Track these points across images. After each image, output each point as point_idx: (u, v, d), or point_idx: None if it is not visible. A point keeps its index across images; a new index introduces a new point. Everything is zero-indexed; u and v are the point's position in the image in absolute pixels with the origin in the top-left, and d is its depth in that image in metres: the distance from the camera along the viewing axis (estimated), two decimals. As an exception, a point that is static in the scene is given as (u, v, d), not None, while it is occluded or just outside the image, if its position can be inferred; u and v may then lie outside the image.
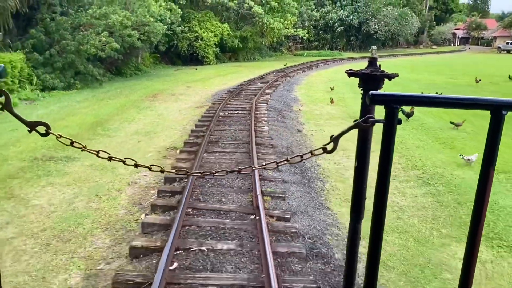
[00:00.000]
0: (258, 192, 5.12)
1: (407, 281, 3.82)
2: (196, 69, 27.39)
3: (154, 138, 8.98)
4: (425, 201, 5.62)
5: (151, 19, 18.57)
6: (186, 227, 4.33)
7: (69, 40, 15.15)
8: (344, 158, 7.62)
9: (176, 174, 1.61)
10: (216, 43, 30.71)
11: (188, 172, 1.76)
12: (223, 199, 5.07)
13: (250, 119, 9.84)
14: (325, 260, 3.93)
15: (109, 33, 16.19)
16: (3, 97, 1.33)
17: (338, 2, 54.70)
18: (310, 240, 4.27)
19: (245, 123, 9.57)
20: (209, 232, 4.25)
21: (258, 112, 10.92)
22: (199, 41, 29.53)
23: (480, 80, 18.24)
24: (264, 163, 1.59)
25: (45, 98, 13.77)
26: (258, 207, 4.73)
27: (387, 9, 52.83)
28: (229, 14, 32.47)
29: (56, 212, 5.18)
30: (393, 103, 1.15)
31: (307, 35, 37.83)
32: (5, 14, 14.59)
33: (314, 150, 1.50)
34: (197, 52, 29.97)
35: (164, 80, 20.60)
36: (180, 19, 24.92)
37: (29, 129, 1.39)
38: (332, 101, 13.74)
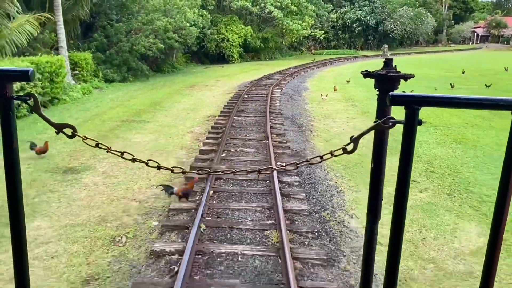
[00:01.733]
0: (268, 133, 8.57)
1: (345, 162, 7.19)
2: (223, 67, 31.08)
3: (198, 112, 12.55)
4: (362, 125, 8.95)
5: (187, 24, 22.32)
6: (227, 144, 7.85)
7: (124, 42, 19.01)
8: (332, 122, 11.00)
9: (197, 173, 1.79)
10: (240, 43, 34.36)
11: (209, 172, 1.76)
12: (248, 135, 8.59)
13: (267, 99, 13.29)
14: (301, 156, 7.36)
15: (154, 36, 19.99)
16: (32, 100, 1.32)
17: (356, 3, 57.51)
18: (296, 151, 7.70)
19: (263, 101, 13.05)
20: (240, 146, 7.76)
21: (273, 95, 14.39)
22: (225, 42, 33.23)
23: (464, 72, 21.23)
24: (284, 163, 1.66)
25: (108, 88, 17.63)
26: (268, 137, 8.20)
27: (402, 9, 55.31)
28: (252, 17, 36.14)
29: (149, 144, 8.77)
30: (414, 104, 1.12)
31: (323, 35, 41.01)
32: (76, 22, 18.55)
33: (334, 151, 1.49)
34: (224, 52, 33.68)
35: (196, 76, 24.33)
36: (209, 23, 28.65)
37: (56, 131, 1.41)
38: (335, 89, 17.02)
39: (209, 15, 28.26)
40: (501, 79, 20.36)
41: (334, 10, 54.21)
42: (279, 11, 34.34)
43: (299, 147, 8.08)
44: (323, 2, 46.72)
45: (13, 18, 13.22)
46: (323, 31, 41.45)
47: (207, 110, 12.73)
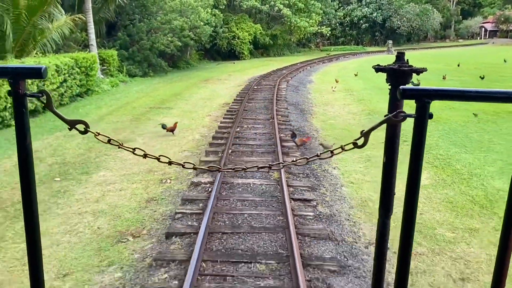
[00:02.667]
0: (274, 114, 10.34)
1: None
2: (234, 63, 32.89)
3: (214, 100, 14.36)
4: (356, 110, 10.67)
5: (201, 23, 24.15)
6: (241, 122, 9.65)
7: (145, 41, 20.92)
8: (330, 108, 12.72)
9: (208, 170, 1.76)
10: (250, 41, 36.15)
11: (219, 168, 1.81)
12: (257, 116, 10.39)
13: (274, 90, 15.05)
14: (301, 132, 9.12)
15: (172, 34, 21.86)
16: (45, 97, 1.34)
17: (363, 0, 58.84)
18: (296, 127, 9.47)
19: (271, 92, 14.82)
20: (251, 123, 9.56)
21: (280, 86, 16.15)
22: (236, 39, 35.04)
23: (459, 65, 22.86)
24: (294, 159, 1.67)
25: (131, 81, 19.56)
26: (273, 117, 9.98)
27: (409, 6, 56.52)
28: (261, 16, 37.90)
29: (181, 122, 10.59)
30: (425, 97, 1.12)
31: (330, 32, 42.60)
32: (102, 22, 20.50)
33: (345, 145, 1.48)
34: (234, 49, 35.50)
35: (210, 71, 26.17)
36: (221, 22, 30.48)
37: (69, 127, 1.44)
38: (336, 81, 18.67)
39: (221, 14, 30.07)
40: (493, 72, 21.82)
41: (342, 7, 55.65)
42: (288, 9, 36.03)
43: (299, 124, 9.86)
44: (330, 0, 48.21)
45: (52, 20, 15.15)
46: (329, 28, 43.02)
47: (221, 99, 14.53)
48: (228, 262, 3.72)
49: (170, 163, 1.67)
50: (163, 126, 9.35)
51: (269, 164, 1.72)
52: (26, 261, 4.11)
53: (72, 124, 1.45)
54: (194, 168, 1.72)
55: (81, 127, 1.48)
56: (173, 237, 4.22)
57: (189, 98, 14.94)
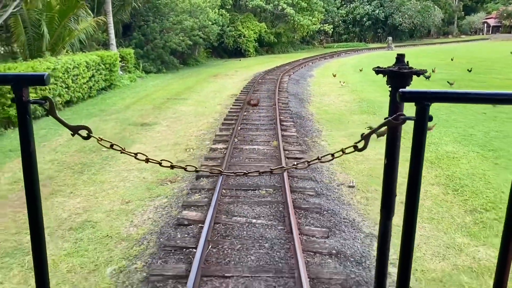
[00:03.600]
0: (276, 101, 12.06)
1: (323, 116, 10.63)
2: (240, 60, 34.63)
3: (223, 92, 16.10)
4: (349, 99, 12.36)
5: (209, 23, 25.92)
6: (247, 108, 11.38)
7: (158, 40, 22.72)
8: (326, 97, 14.42)
9: (210, 173, 1.75)
10: (256, 39, 37.89)
11: (221, 172, 1.83)
12: (261, 103, 12.14)
13: (277, 83, 16.77)
14: (298, 115, 10.84)
15: (183, 34, 23.65)
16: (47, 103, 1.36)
17: (366, -2, 60.35)
18: (295, 112, 11.19)
19: (274, 84, 16.54)
20: (256, 109, 11.30)
21: (282, 80, 17.88)
22: (242, 38, 36.79)
23: (452, 59, 24.53)
24: (295, 163, 1.77)
25: (147, 77, 21.39)
26: (275, 104, 11.70)
27: (410, 3, 57.88)
28: (266, 15, 39.64)
29: (191, 111, 12.35)
30: (424, 100, 1.12)
31: (332, 29, 44.23)
32: (118, 23, 22.31)
33: (346, 148, 1.53)
34: (240, 46, 37.25)
35: (218, 68, 27.94)
36: (228, 21, 32.25)
37: (72, 132, 1.45)
38: (334, 75, 20.32)
39: (228, 14, 31.83)
40: (482, 65, 23.37)
41: (345, 5, 57.19)
42: (291, 8, 37.73)
43: (297, 110, 11.59)
44: (332, -1, 49.83)
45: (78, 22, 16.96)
46: (332, 26, 44.65)
47: (230, 91, 16.28)
48: (240, 190, 5.48)
49: (172, 167, 1.73)
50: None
51: (270, 169, 1.78)
52: (97, 194, 5.90)
53: (75, 130, 1.46)
54: (196, 171, 1.77)
55: (83, 132, 1.50)
56: (202, 178, 5.99)
57: (201, 91, 16.70)
